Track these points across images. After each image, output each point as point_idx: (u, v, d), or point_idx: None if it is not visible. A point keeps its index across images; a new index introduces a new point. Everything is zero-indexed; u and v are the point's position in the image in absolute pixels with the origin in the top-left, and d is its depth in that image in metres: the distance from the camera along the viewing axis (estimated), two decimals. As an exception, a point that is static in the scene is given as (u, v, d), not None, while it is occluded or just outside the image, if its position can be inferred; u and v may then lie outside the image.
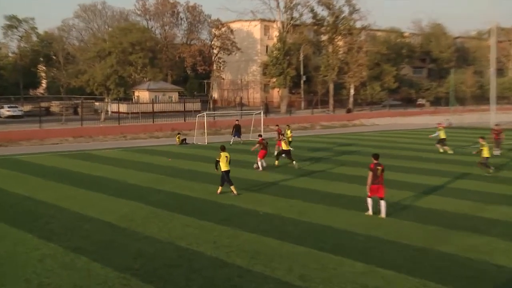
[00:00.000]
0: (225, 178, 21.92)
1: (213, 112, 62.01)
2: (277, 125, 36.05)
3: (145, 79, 77.59)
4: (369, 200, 18.30)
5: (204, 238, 15.88)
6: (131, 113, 68.32)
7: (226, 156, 21.97)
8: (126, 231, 16.65)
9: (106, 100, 68.75)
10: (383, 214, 18.05)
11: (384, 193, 18.17)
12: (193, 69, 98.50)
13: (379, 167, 18.03)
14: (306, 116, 73.07)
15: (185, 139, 46.42)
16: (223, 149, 22.41)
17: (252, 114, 52.50)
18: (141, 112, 66.94)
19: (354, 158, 33.85)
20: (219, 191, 22.17)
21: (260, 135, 31.99)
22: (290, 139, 33.54)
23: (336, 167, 30.43)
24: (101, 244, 15.36)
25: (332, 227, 16.96)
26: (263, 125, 50.05)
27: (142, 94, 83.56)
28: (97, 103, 78.94)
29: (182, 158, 34.57)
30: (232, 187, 21.88)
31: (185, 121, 60.40)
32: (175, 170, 29.06)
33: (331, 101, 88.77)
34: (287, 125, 37.45)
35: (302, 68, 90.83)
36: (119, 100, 65.57)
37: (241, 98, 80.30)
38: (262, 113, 51.10)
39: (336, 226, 17.09)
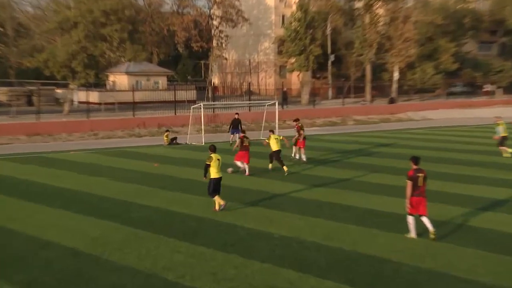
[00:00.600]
0: (216, 188, 22.08)
1: (213, 103, 62.87)
2: (296, 120, 36.09)
3: (123, 59, 76.10)
4: (410, 219, 18.34)
5: (200, 269, 15.80)
6: (105, 103, 69.21)
7: (218, 159, 22.19)
8: (98, 260, 16.60)
9: (71, 86, 68.80)
10: (431, 234, 18.11)
11: (426, 208, 18.24)
12: (186, 46, 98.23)
13: (420, 174, 18.11)
14: (335, 108, 73.41)
15: (175, 138, 46.88)
16: (213, 149, 22.54)
17: (264, 106, 52.67)
18: (118, 103, 67.84)
19: (395, 163, 33.80)
20: (216, 207, 22.21)
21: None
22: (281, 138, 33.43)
23: (369, 174, 30.46)
24: (63, 277, 15.27)
25: (367, 255, 16.88)
26: (279, 120, 50.37)
27: (119, 79, 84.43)
28: (59, 91, 79.11)
29: (171, 163, 34.69)
30: (217, 198, 22.23)
31: (175, 114, 60.96)
32: (163, 179, 29.14)
33: (368, 88, 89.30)
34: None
35: (329, 44, 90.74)
36: (88, 86, 66.22)
37: (249, 85, 78.73)
38: (277, 104, 50.87)
39: (372, 253, 17.03)
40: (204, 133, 47.51)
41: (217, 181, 22.07)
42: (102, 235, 19.21)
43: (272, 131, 32.78)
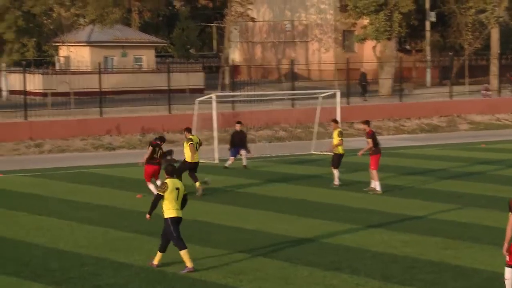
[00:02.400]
0: (172, 231, 16.24)
1: (232, 94, 45.85)
2: (365, 122, 27.51)
3: (82, 20, 58.08)
4: (509, 273, 13.70)
5: None
6: (53, 94, 48.90)
7: (177, 188, 16.49)
8: None
9: None
10: None
11: None
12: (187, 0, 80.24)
13: None
14: (436, 102, 53.80)
15: (170, 153, 31.89)
16: (170, 172, 16.59)
17: (318, 98, 39.21)
18: (75, 93, 48.12)
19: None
20: (155, 261, 16.62)
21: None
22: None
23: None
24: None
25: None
26: (343, 121, 37.23)
27: (77, 54, 59.16)
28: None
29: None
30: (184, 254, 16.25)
31: (170, 112, 44.51)
32: (152, 222, 20.31)
33: (494, 68, 63.00)
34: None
35: None
36: (26, 66, 45.56)
37: (292, 63, 53.42)
38: (338, 96, 38.46)
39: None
40: (217, 144, 35.32)
41: (176, 221, 16.36)
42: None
43: (336, 121, 27.82)
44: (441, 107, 51.97)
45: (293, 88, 49.05)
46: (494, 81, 60.35)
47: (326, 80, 53.85)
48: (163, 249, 16.39)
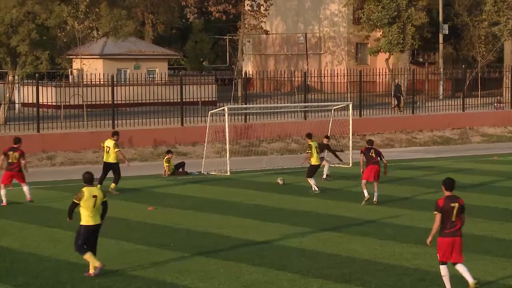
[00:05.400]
0: (91, 241, 16.65)
1: (245, 106, 45.60)
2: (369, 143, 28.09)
3: (95, 33, 59.84)
4: (443, 270, 15.49)
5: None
6: (66, 106, 49.13)
7: (95, 196, 16.51)
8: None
9: (10, 77, 50.19)
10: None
11: (461, 255, 15.39)
12: (200, 11, 76.28)
13: (453, 204, 15.22)
14: (449, 114, 52.72)
15: (182, 165, 34.82)
16: (88, 180, 16.85)
17: (331, 110, 39.52)
18: (87, 105, 47.60)
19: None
20: (91, 270, 16.70)
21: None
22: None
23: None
24: None
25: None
26: (356, 133, 38.50)
27: (91, 66, 59.37)
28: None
29: (177, 206, 26.31)
30: (89, 256, 16.57)
31: (182, 125, 44.75)
32: (163, 232, 21.85)
33: (506, 81, 61.21)
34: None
35: (441, 7, 65.55)
36: (39, 78, 45.49)
37: (304, 75, 51.47)
38: (351, 108, 38.57)
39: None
40: (229, 156, 35.36)
41: (90, 229, 16.54)
42: None
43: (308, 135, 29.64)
44: (454, 119, 51.61)
45: (305, 100, 48.93)
46: (507, 93, 59.27)
47: (338, 92, 53.50)
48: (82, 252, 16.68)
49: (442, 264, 15.40)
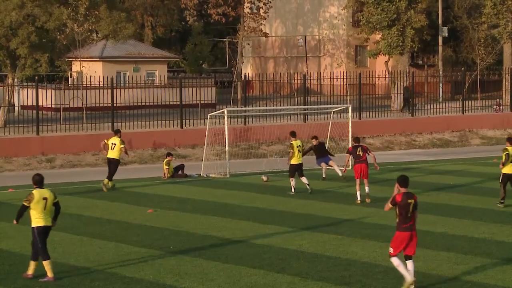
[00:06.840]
0: (37, 241, 16.48)
1: (245, 109, 45.72)
2: (356, 140, 29.39)
3: (95, 35, 59.51)
4: (396, 261, 15.94)
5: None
6: (66, 109, 49.35)
7: (45, 198, 16.35)
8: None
9: (10, 80, 49.68)
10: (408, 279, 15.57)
11: (414, 249, 15.93)
12: (200, 14, 76.88)
13: (410, 201, 15.95)
14: (448, 117, 52.74)
15: (181, 167, 34.81)
16: (38, 182, 16.67)
17: (331, 112, 39.13)
18: (87, 108, 48.30)
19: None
20: (30, 272, 16.68)
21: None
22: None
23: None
24: None
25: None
26: (353, 134, 36.20)
27: (90, 69, 59.09)
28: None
29: (176, 209, 26.17)
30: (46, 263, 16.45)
31: (182, 127, 44.59)
32: (162, 235, 21.66)
33: (505, 84, 60.75)
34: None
35: (440, 9, 66.00)
36: (38, 81, 45.59)
37: (304, 78, 51.51)
38: (350, 110, 38.08)
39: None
40: (229, 159, 35.11)
41: (41, 231, 16.27)
42: None
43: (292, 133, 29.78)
44: (453, 122, 51.54)
45: (305, 103, 48.91)
46: (506, 96, 59.18)
47: (338, 95, 53.21)
48: (35, 258, 16.49)
49: (393, 257, 15.88)
